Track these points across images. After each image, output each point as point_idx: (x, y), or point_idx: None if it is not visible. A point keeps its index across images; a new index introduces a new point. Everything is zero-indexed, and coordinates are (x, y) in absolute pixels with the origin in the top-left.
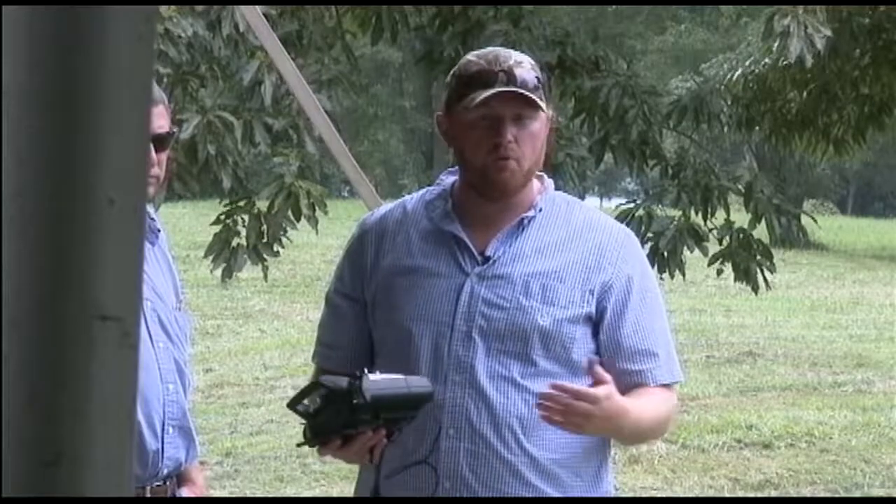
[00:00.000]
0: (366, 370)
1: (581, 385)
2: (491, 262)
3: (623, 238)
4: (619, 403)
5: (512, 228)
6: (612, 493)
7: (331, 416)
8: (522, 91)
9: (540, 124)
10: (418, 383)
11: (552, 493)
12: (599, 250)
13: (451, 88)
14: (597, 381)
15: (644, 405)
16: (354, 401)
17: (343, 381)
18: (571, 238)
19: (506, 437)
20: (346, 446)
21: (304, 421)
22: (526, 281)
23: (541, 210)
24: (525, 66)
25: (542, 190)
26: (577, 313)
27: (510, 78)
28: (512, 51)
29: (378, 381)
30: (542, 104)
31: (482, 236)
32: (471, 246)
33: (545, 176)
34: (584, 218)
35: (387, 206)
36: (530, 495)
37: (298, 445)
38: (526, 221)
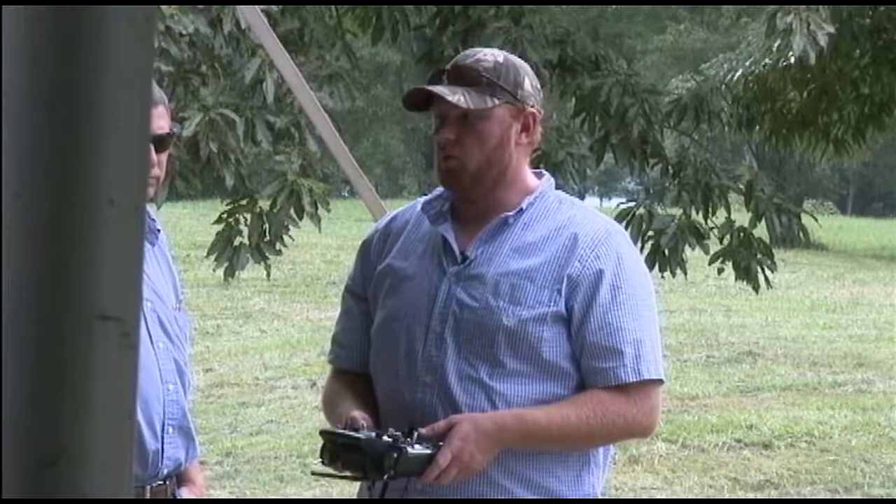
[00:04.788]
0: (406, 444)
1: (552, 385)
2: (468, 262)
3: (602, 235)
4: (481, 428)
5: (494, 228)
6: (594, 495)
7: (354, 461)
8: (430, 88)
9: (492, 123)
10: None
11: (523, 494)
12: (572, 247)
13: None
14: (445, 432)
15: (552, 414)
16: (385, 475)
17: (381, 448)
18: (551, 237)
19: None
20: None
21: (326, 442)
22: (497, 281)
23: (523, 210)
24: (484, 64)
25: (535, 188)
26: (543, 313)
27: (453, 76)
28: (487, 49)
29: (413, 457)
30: (469, 101)
31: (468, 236)
32: (454, 246)
33: (546, 175)
34: (569, 216)
35: (402, 207)
36: (500, 496)
37: (314, 474)
38: (510, 220)
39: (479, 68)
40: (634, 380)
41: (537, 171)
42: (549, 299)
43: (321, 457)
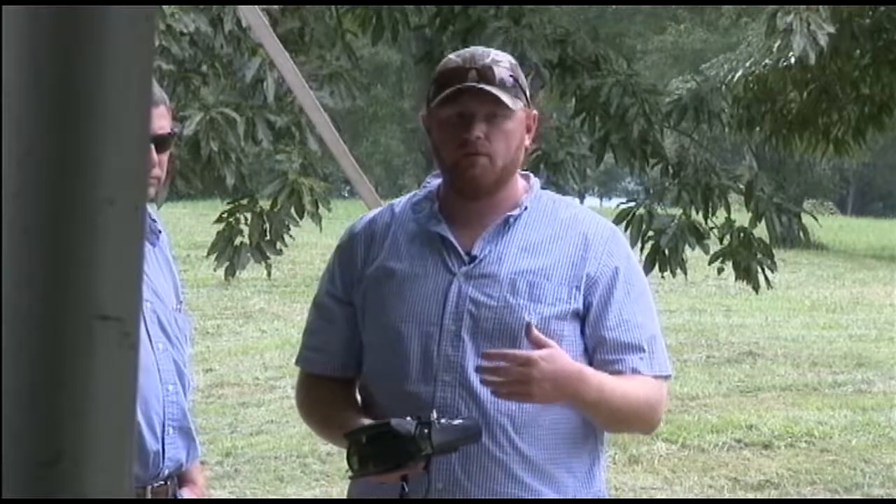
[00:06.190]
0: (433, 418)
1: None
2: (477, 261)
3: (609, 233)
4: (567, 366)
5: (497, 227)
6: (605, 493)
7: (386, 452)
8: (486, 88)
9: (515, 123)
10: (472, 425)
11: (547, 491)
12: (585, 246)
13: (430, 86)
14: (538, 346)
15: (616, 381)
16: (423, 451)
17: (410, 426)
18: (558, 235)
19: (497, 436)
20: (385, 474)
21: (352, 445)
22: (513, 279)
23: (526, 208)
24: (503, 65)
25: (528, 189)
26: (564, 310)
27: (482, 76)
28: (494, 50)
29: (445, 430)
30: (510, 102)
31: (468, 236)
32: (457, 246)
33: (531, 175)
34: (571, 215)
35: (375, 210)
36: (524, 494)
37: (352, 478)
38: (512, 220)
39: (505, 69)
40: (651, 374)
41: (522, 172)
42: (569, 296)
43: (349, 465)
